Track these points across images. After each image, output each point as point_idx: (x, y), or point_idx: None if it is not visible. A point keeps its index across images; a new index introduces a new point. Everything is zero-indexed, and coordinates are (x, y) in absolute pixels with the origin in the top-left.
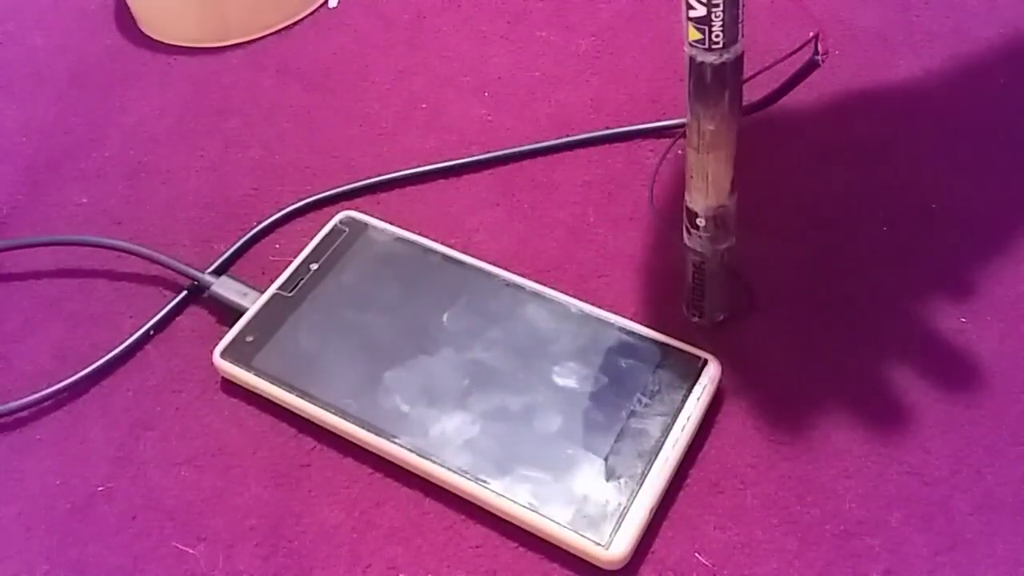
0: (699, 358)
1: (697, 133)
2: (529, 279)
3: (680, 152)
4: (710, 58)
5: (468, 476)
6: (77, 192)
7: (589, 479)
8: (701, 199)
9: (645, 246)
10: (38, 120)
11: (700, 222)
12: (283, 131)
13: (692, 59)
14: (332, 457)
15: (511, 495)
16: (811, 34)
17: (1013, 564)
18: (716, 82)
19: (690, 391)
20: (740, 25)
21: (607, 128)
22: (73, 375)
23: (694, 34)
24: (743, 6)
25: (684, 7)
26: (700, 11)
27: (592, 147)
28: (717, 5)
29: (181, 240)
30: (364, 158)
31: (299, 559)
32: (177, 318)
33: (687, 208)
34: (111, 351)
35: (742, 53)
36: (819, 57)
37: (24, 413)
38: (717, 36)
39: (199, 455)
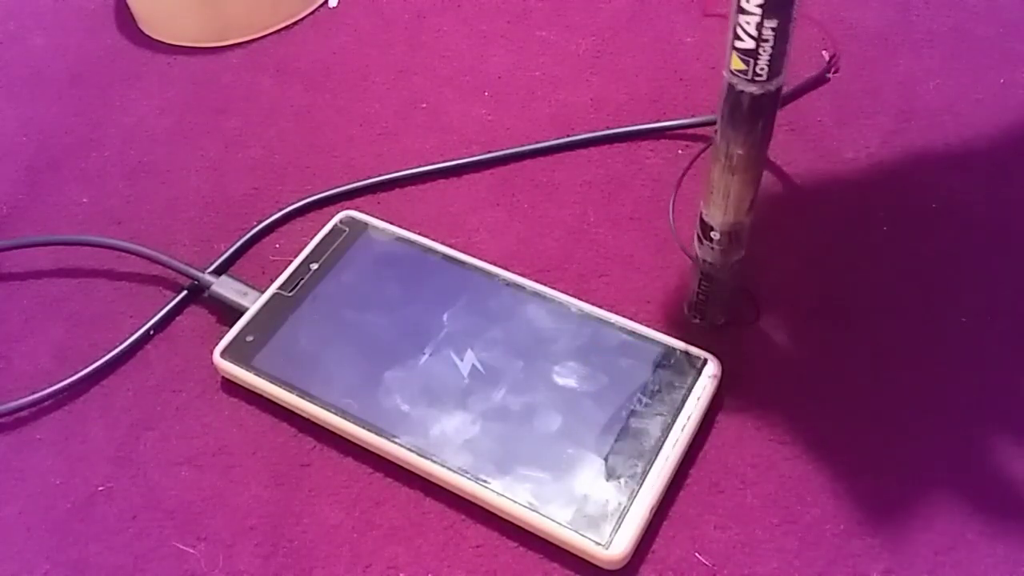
0: (699, 358)
1: (725, 154)
2: (529, 279)
3: (680, 152)
4: (751, 88)
5: (468, 476)
6: (77, 192)
7: (589, 479)
8: (719, 215)
9: (645, 246)
10: (38, 120)
11: (715, 235)
12: (283, 131)
13: (731, 87)
14: (332, 457)
15: (511, 495)
16: (826, 55)
17: (1013, 564)
18: (753, 111)
19: (690, 391)
20: (785, 58)
21: (607, 128)
22: (73, 375)
23: (738, 64)
24: (791, 41)
25: (731, 37)
26: (748, 44)
27: (592, 147)
28: (767, 40)
29: (181, 240)
30: (364, 158)
31: (299, 559)
32: (177, 318)
33: (702, 220)
34: (111, 351)
35: (782, 84)
36: (829, 75)
37: (24, 413)
38: (762, 69)
39: (199, 455)
